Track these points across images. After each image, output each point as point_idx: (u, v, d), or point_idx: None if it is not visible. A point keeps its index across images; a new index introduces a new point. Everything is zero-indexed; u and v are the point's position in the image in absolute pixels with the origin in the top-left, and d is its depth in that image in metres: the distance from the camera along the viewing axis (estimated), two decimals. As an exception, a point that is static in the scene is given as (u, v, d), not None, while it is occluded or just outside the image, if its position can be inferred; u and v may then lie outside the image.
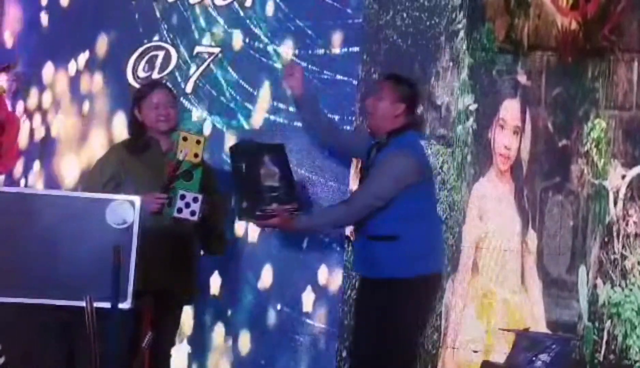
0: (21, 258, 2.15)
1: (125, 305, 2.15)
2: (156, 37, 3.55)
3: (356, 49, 3.30)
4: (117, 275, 2.10)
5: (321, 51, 3.30)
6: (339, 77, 3.28)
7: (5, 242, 2.16)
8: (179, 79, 3.51)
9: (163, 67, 3.54)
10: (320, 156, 3.19)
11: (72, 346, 2.16)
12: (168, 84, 3.27)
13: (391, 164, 2.76)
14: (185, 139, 2.66)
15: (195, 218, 2.68)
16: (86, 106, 3.58)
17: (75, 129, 3.56)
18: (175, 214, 2.65)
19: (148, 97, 2.86)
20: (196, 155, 2.67)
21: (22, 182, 3.61)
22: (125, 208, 2.19)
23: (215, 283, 3.30)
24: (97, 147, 3.45)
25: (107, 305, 2.11)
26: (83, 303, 2.09)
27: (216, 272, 3.29)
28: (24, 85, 3.62)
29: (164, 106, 2.86)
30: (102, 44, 3.59)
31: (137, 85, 3.52)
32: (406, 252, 2.74)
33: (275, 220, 2.74)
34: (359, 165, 3.04)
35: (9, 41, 3.73)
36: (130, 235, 2.19)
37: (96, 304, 2.10)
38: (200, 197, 2.67)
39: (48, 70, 3.65)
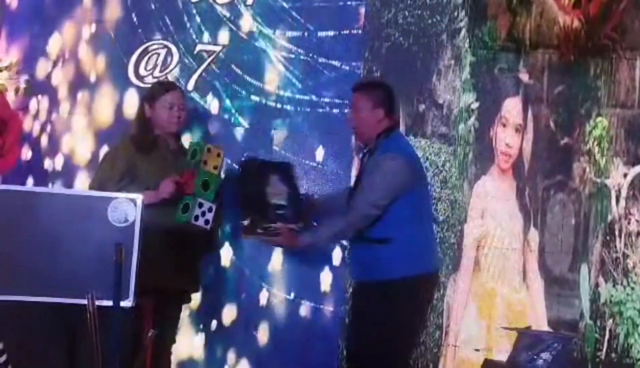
0: (23, 257, 2.16)
1: (127, 303, 2.16)
2: (157, 35, 3.56)
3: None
4: (119, 273, 2.11)
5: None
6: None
7: (8, 240, 2.16)
8: (180, 77, 3.53)
9: (164, 66, 3.54)
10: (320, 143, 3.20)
11: (74, 344, 2.16)
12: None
13: (382, 169, 2.76)
14: (209, 150, 2.75)
15: (208, 227, 2.78)
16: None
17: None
18: (193, 221, 2.73)
19: (163, 97, 2.89)
20: (215, 168, 2.78)
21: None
22: (127, 207, 2.19)
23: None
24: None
25: (109, 303, 2.11)
26: (85, 301, 2.09)
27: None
28: (26, 83, 3.63)
29: (177, 107, 2.89)
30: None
31: (138, 83, 3.53)
32: (399, 254, 2.74)
33: (279, 238, 2.74)
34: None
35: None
36: (132, 233, 2.19)
37: (98, 302, 2.10)
38: (214, 207, 2.78)
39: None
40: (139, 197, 2.22)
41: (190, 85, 3.53)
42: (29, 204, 2.19)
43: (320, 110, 3.38)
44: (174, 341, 3.05)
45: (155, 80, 3.47)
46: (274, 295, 3.29)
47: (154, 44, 3.57)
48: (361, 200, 2.76)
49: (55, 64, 3.70)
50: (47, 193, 2.32)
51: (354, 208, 2.77)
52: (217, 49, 3.52)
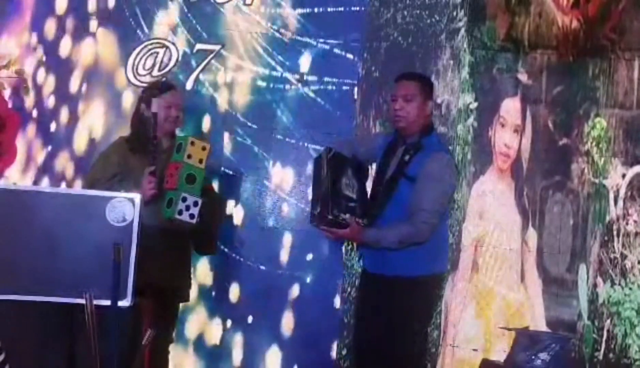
0: (21, 256, 2.15)
1: (125, 302, 2.15)
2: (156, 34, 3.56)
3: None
4: (117, 273, 2.10)
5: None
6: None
7: (6, 239, 2.16)
8: (180, 76, 3.53)
9: (163, 64, 3.54)
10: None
11: (73, 343, 2.15)
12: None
13: (442, 174, 2.74)
14: (193, 143, 2.72)
15: (193, 221, 2.74)
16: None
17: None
18: (176, 216, 2.70)
19: (162, 96, 2.88)
20: (200, 161, 2.74)
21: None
22: (125, 206, 2.19)
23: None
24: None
25: (107, 302, 2.11)
26: (83, 301, 2.09)
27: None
28: (24, 82, 3.62)
29: (175, 108, 2.89)
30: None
31: (137, 82, 3.53)
32: (423, 251, 2.72)
33: (346, 230, 2.69)
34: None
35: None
36: (130, 232, 2.19)
37: (96, 302, 2.10)
38: (200, 201, 2.74)
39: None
40: (137, 197, 2.22)
41: (189, 84, 3.53)
42: (26, 204, 2.18)
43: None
44: (171, 340, 3.05)
45: (153, 79, 3.47)
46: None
47: (152, 43, 3.57)
48: (428, 209, 2.69)
49: (50, 62, 3.69)
50: (45, 192, 2.31)
51: (420, 217, 2.69)
52: (217, 47, 3.52)
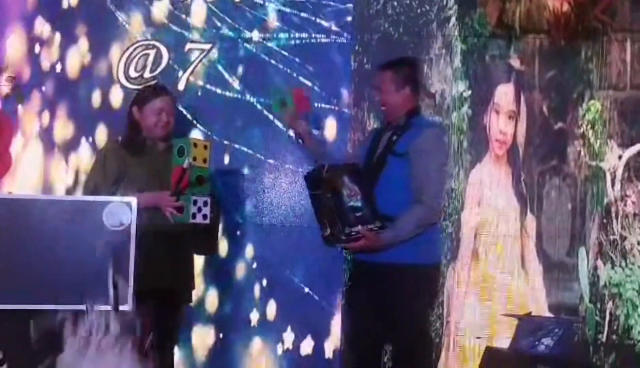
0: (19, 265, 2.14)
1: (125, 307, 2.14)
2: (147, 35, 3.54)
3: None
4: (116, 278, 2.09)
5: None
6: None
7: (3, 249, 2.15)
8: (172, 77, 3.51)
9: (154, 66, 3.53)
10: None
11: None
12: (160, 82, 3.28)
13: (436, 148, 2.75)
14: (195, 145, 2.69)
15: (207, 221, 2.73)
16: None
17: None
18: (191, 220, 2.69)
19: (152, 101, 2.86)
20: (205, 161, 2.72)
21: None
22: (122, 210, 2.18)
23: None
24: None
25: (107, 308, 2.10)
26: (83, 308, 2.08)
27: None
28: (17, 88, 3.60)
29: (166, 113, 2.87)
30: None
31: (128, 85, 3.51)
32: (422, 239, 2.70)
33: (362, 241, 2.64)
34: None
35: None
36: (128, 236, 2.17)
37: (97, 308, 2.09)
38: (209, 200, 2.73)
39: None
40: (133, 200, 2.21)
41: (182, 85, 3.52)
42: (23, 211, 2.17)
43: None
44: (176, 342, 3.04)
45: (144, 81, 3.45)
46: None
47: (143, 44, 3.55)
48: (430, 183, 2.68)
49: (40, 65, 3.66)
50: (40, 200, 2.30)
51: (425, 192, 2.67)
52: (207, 47, 3.51)
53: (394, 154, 2.73)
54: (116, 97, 3.51)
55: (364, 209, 2.67)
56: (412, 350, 2.70)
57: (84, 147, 3.52)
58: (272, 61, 3.46)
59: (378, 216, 2.68)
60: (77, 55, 3.57)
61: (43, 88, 3.60)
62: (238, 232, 3.40)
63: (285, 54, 3.46)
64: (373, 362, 2.77)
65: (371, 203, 2.70)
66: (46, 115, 3.59)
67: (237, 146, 3.41)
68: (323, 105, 3.39)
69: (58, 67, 3.58)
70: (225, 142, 3.37)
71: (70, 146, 3.53)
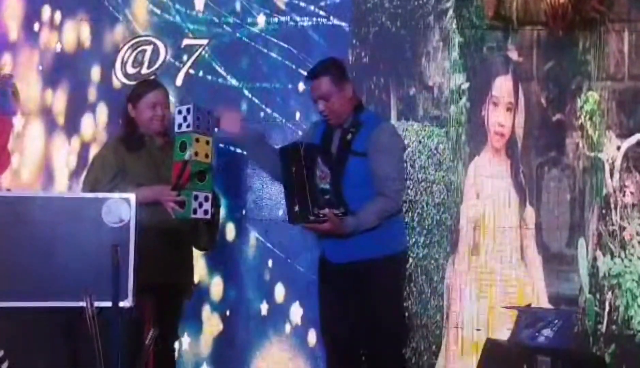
0: (20, 263, 2.15)
1: (126, 303, 2.15)
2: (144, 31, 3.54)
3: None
4: (116, 274, 2.10)
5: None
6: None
7: (3, 246, 2.15)
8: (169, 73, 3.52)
9: (152, 62, 3.52)
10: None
11: (76, 347, 2.15)
12: (159, 78, 3.28)
13: (393, 142, 2.79)
14: (197, 140, 2.67)
15: (209, 216, 2.72)
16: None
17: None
18: (192, 215, 2.67)
19: (146, 96, 2.86)
20: (207, 156, 2.70)
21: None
22: (121, 206, 2.18)
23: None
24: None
25: (107, 304, 2.10)
26: (83, 304, 2.09)
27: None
28: (12, 87, 3.60)
29: (160, 107, 2.86)
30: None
31: (125, 81, 3.51)
32: (382, 232, 2.74)
33: (327, 225, 2.65)
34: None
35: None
36: (128, 232, 2.18)
37: (97, 304, 2.10)
38: (210, 195, 2.71)
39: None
40: (132, 197, 2.21)
41: (179, 81, 3.52)
42: (22, 209, 2.17)
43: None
44: (176, 337, 3.05)
45: (142, 77, 3.45)
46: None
47: (140, 41, 3.54)
48: (392, 176, 2.74)
49: (37, 62, 3.66)
50: (39, 197, 2.30)
51: (386, 185, 2.72)
52: (204, 42, 3.51)
53: (352, 153, 2.76)
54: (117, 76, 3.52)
55: (331, 193, 2.68)
56: (389, 332, 2.75)
57: (87, 122, 3.50)
58: (272, 54, 3.47)
59: (343, 202, 2.70)
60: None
61: (40, 67, 3.59)
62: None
63: (284, 45, 3.46)
64: (351, 353, 2.80)
65: (338, 189, 2.71)
66: (49, 93, 3.58)
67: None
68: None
69: (58, 47, 3.57)
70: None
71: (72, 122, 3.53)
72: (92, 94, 3.54)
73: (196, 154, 2.65)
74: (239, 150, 3.41)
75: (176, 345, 3.08)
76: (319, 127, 2.91)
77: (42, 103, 3.58)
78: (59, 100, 3.57)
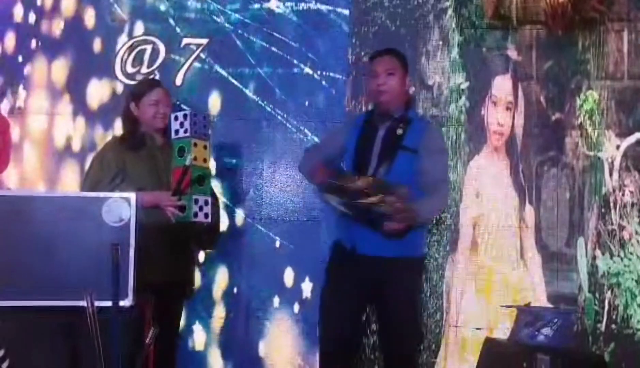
0: (20, 262, 2.15)
1: (126, 302, 2.15)
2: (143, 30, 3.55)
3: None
4: (116, 273, 2.10)
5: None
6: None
7: (3, 246, 2.15)
8: (169, 72, 3.52)
9: (151, 61, 3.53)
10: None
11: (76, 346, 2.15)
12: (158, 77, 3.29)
13: (442, 144, 2.89)
14: (195, 145, 2.70)
15: (209, 220, 2.74)
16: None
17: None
18: (192, 219, 2.70)
19: (148, 94, 2.88)
20: (205, 160, 2.73)
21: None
22: (121, 206, 2.18)
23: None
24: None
25: (108, 303, 2.11)
26: (84, 303, 2.09)
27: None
28: (8, 86, 3.60)
29: (162, 104, 2.88)
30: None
31: (125, 80, 3.52)
32: (415, 232, 2.73)
33: (397, 219, 2.61)
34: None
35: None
36: (128, 232, 2.18)
37: (97, 303, 2.10)
38: (209, 199, 2.74)
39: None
40: (132, 196, 2.21)
41: (179, 80, 3.52)
42: (22, 208, 2.17)
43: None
44: (177, 335, 3.06)
45: (142, 77, 3.46)
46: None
47: (139, 40, 3.55)
48: (445, 180, 2.84)
49: (37, 61, 3.66)
50: (39, 196, 2.30)
51: (440, 185, 2.75)
52: (204, 41, 3.51)
53: (403, 148, 2.75)
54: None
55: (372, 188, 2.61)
56: (404, 331, 2.74)
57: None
58: (274, 49, 3.48)
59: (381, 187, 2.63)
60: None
61: (33, 42, 3.59)
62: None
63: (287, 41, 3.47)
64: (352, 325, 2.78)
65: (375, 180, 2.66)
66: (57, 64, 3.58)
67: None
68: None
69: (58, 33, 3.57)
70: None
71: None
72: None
73: (195, 158, 2.68)
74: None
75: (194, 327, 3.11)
76: (359, 119, 2.90)
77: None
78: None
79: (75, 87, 3.56)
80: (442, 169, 2.81)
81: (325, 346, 2.81)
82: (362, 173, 2.71)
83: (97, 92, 3.55)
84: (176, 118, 2.71)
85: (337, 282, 2.81)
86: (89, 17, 3.59)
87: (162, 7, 3.56)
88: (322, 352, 2.82)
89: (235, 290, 3.46)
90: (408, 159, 2.74)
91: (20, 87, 3.59)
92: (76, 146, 3.55)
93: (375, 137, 2.79)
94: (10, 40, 3.62)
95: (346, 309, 2.77)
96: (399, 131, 2.76)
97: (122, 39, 3.55)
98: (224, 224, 3.43)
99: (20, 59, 3.60)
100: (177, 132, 2.70)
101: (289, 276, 3.43)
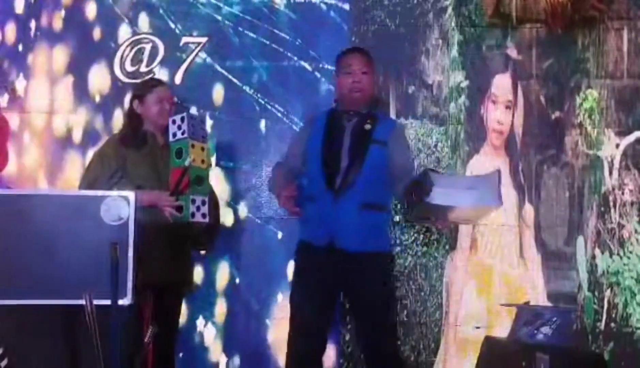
0: (18, 260, 2.15)
1: (125, 301, 2.15)
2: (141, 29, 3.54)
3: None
4: (115, 272, 2.10)
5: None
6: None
7: (1, 244, 2.15)
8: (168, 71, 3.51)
9: (151, 60, 3.52)
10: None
11: (76, 345, 2.15)
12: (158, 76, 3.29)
13: (406, 139, 3.03)
14: (193, 146, 2.73)
15: (206, 220, 2.76)
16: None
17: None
18: (190, 219, 2.72)
19: (153, 92, 2.90)
20: (203, 161, 2.76)
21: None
22: (120, 204, 2.18)
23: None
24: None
25: (107, 302, 2.11)
26: (83, 302, 2.09)
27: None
28: (4, 82, 3.59)
29: (167, 101, 2.90)
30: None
31: (125, 79, 3.51)
32: (389, 225, 2.89)
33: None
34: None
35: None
36: (127, 231, 2.18)
37: (96, 302, 2.10)
38: (207, 199, 2.77)
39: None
40: (131, 195, 2.21)
41: (178, 79, 3.52)
42: (20, 207, 2.17)
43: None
44: (176, 333, 3.06)
45: (142, 75, 3.46)
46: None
47: (139, 38, 3.54)
48: (410, 171, 2.90)
49: (36, 61, 3.66)
50: (38, 195, 2.30)
51: (408, 177, 2.80)
52: (203, 40, 3.51)
53: (373, 142, 2.84)
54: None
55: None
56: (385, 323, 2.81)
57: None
58: (274, 45, 3.47)
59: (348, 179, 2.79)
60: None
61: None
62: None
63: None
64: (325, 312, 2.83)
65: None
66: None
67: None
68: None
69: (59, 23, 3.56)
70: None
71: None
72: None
73: (193, 160, 2.70)
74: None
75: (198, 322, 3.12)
76: (319, 119, 2.94)
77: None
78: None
79: (76, 75, 3.55)
80: (410, 160, 3.01)
81: (298, 345, 2.83)
82: (333, 169, 2.80)
83: (99, 81, 3.54)
84: (174, 122, 2.74)
85: (308, 281, 2.85)
86: (90, 10, 3.59)
87: (161, 4, 3.55)
88: (294, 352, 2.84)
89: (237, 281, 3.46)
90: (379, 151, 2.84)
91: (21, 76, 3.58)
92: (77, 137, 3.55)
93: (343, 133, 2.86)
94: (10, 30, 3.61)
95: (317, 306, 2.81)
96: (367, 126, 2.87)
97: (122, 32, 3.54)
98: (228, 220, 3.43)
99: (20, 48, 3.59)
100: (174, 135, 2.74)
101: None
